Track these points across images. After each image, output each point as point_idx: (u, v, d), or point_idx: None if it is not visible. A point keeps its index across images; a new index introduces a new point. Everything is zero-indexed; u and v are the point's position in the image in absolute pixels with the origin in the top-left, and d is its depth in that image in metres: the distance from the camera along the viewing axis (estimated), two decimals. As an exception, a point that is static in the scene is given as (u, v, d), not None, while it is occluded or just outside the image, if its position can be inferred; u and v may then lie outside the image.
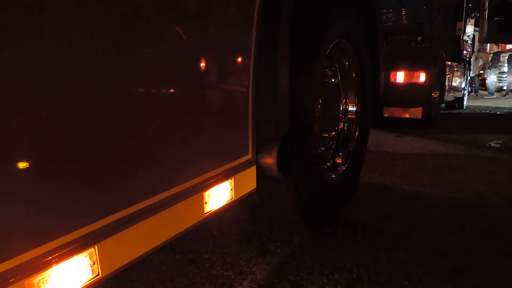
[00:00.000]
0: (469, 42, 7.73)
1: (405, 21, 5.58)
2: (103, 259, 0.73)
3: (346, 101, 2.08)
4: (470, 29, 7.08)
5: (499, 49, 12.81)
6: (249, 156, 1.20)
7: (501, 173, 2.93)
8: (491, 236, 1.78)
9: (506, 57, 14.85)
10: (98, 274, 0.73)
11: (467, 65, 8.03)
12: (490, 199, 2.30)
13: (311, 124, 1.53)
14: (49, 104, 0.63)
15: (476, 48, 11.20)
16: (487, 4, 5.13)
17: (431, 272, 1.44)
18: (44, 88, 0.62)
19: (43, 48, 0.61)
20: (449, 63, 5.99)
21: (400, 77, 4.85)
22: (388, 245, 1.67)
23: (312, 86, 1.49)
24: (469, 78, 9.18)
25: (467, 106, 8.92)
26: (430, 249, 1.63)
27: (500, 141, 4.35)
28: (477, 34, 7.13)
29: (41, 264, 0.64)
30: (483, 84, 14.02)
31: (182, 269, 1.45)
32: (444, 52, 5.41)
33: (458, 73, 7.11)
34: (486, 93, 13.32)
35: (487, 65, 13.27)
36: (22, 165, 0.59)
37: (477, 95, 13.28)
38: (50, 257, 0.65)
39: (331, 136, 2.07)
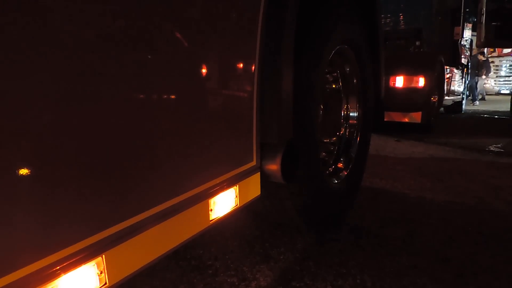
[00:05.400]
0: (467, 46, 7.79)
1: (403, 26, 5.63)
2: (110, 268, 0.73)
3: (347, 106, 2.08)
4: (468, 34, 7.14)
5: (482, 57, 12.75)
6: (254, 163, 1.20)
7: (502, 177, 2.94)
8: (493, 240, 1.78)
9: (504, 61, 14.96)
10: (106, 283, 0.72)
11: (465, 70, 8.09)
12: (492, 204, 2.31)
13: (314, 130, 1.53)
14: (54, 111, 0.62)
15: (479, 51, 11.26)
16: (484, 9, 5.18)
17: (435, 278, 1.44)
18: (50, 94, 0.62)
19: (50, 51, 0.61)
20: (448, 67, 6.03)
21: (399, 81, 4.88)
22: (392, 250, 1.67)
23: (315, 92, 1.50)
24: (467, 82, 9.23)
25: (465, 110, 8.97)
26: (434, 254, 1.63)
27: (499, 145, 4.37)
28: (475, 39, 7.19)
29: (49, 274, 0.63)
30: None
31: (186, 276, 1.44)
32: (443, 56, 5.45)
33: (457, 78, 7.15)
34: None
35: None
36: (27, 174, 0.59)
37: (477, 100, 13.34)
38: (58, 267, 0.64)
39: (333, 141, 2.08)
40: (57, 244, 0.64)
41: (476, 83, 12.20)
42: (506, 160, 3.56)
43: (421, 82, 4.84)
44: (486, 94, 15.49)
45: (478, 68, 12.18)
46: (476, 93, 12.39)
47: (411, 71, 4.88)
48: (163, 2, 0.82)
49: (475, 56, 11.99)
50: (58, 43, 0.62)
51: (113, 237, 0.74)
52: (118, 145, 0.74)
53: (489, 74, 13.66)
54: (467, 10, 6.66)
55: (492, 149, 4.18)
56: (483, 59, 12.60)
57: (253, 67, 1.13)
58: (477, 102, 12.00)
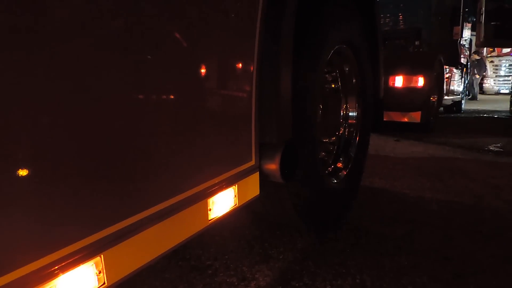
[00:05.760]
0: (467, 46, 7.79)
1: (403, 26, 5.63)
2: (109, 268, 0.73)
3: (346, 106, 2.08)
4: (467, 34, 7.15)
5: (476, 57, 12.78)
6: (252, 163, 1.20)
7: (501, 176, 2.94)
8: (493, 240, 1.78)
9: (503, 61, 14.98)
10: (104, 283, 0.72)
11: (464, 69, 8.09)
12: (491, 203, 2.31)
13: (313, 129, 1.53)
14: (53, 111, 0.63)
15: (473, 51, 11.30)
16: (483, 8, 5.18)
17: (435, 277, 1.44)
18: (49, 94, 0.62)
19: (50, 51, 0.61)
20: (447, 67, 6.03)
21: (398, 81, 4.88)
22: (391, 250, 1.67)
23: (314, 92, 1.50)
24: (467, 82, 9.24)
25: (464, 110, 8.97)
26: (433, 254, 1.63)
27: (499, 145, 4.37)
28: (474, 39, 7.20)
29: (48, 274, 0.63)
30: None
31: (185, 276, 1.44)
32: (442, 56, 5.45)
33: (456, 77, 7.15)
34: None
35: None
36: (26, 174, 0.59)
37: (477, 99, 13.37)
38: (56, 267, 0.64)
39: (332, 141, 2.08)
40: (56, 244, 0.64)
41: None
42: (505, 160, 3.56)
43: (421, 81, 4.84)
44: (486, 94, 15.50)
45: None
46: (475, 92, 12.50)
47: (410, 71, 4.88)
48: (161, 3, 0.82)
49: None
50: (58, 43, 0.62)
51: (112, 237, 0.74)
52: (116, 145, 0.74)
53: (483, 74, 13.66)
54: (466, 9, 6.66)
55: (491, 148, 4.18)
56: (477, 58, 12.64)
57: (252, 67, 1.14)
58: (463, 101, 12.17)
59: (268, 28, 1.17)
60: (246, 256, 1.60)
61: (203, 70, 0.98)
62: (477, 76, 12.91)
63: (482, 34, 5.30)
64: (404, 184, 2.70)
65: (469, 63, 9.06)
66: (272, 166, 1.23)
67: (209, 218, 1.03)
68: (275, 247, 1.69)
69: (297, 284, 1.39)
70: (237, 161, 1.13)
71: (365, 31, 2.01)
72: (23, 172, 0.59)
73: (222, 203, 1.07)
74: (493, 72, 15.75)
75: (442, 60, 5.48)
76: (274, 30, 1.19)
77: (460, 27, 6.43)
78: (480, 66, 12.97)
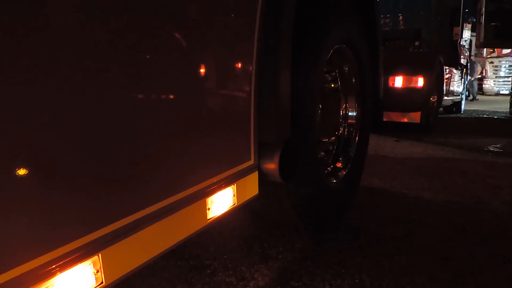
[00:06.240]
0: (467, 47, 7.80)
1: (403, 26, 5.63)
2: (106, 267, 0.73)
3: (346, 106, 2.08)
4: (467, 34, 7.15)
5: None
6: (251, 162, 1.20)
7: (500, 177, 2.94)
8: (492, 240, 1.78)
9: (503, 62, 15.01)
10: (102, 282, 0.72)
11: (464, 70, 8.09)
12: (490, 203, 2.31)
13: (312, 129, 1.53)
14: (52, 110, 0.62)
15: (473, 53, 11.31)
16: (483, 9, 5.18)
17: (434, 277, 1.44)
18: (48, 93, 0.61)
19: (46, 50, 0.61)
20: (447, 67, 6.03)
21: (398, 81, 4.88)
22: (390, 249, 1.66)
23: (313, 91, 1.50)
24: (466, 82, 9.24)
25: (464, 110, 8.97)
26: (432, 254, 1.63)
27: (498, 145, 4.37)
28: (474, 39, 7.20)
29: (45, 273, 0.63)
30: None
31: (184, 275, 1.44)
32: (442, 57, 5.44)
33: (456, 78, 7.15)
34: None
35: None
36: (23, 173, 0.59)
37: (476, 99, 13.42)
38: (54, 266, 0.64)
39: (332, 141, 2.07)
40: (53, 243, 0.64)
41: None
42: (505, 160, 3.56)
43: (420, 82, 4.84)
44: (486, 95, 15.52)
45: None
46: (473, 93, 12.69)
47: (410, 71, 4.88)
48: (161, 4, 0.81)
49: None
50: (57, 43, 0.62)
51: (110, 236, 0.73)
52: (114, 144, 0.74)
53: (475, 75, 13.69)
54: (466, 10, 6.65)
55: (491, 149, 4.18)
56: None
57: (251, 66, 1.13)
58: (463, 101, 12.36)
59: (267, 27, 1.16)
60: (245, 256, 1.60)
61: (201, 69, 0.97)
62: (470, 78, 13.00)
63: (482, 35, 5.30)
64: (403, 184, 2.70)
65: (469, 64, 9.06)
66: (271, 166, 1.23)
67: (208, 218, 1.03)
68: (274, 247, 1.69)
69: (296, 284, 1.38)
70: (236, 161, 1.13)
71: (365, 31, 2.01)
72: (20, 171, 0.59)
73: (221, 202, 1.07)
74: (493, 73, 15.77)
75: (442, 60, 5.47)
76: (273, 29, 1.19)
77: (460, 27, 6.43)
78: (472, 68, 13.04)
